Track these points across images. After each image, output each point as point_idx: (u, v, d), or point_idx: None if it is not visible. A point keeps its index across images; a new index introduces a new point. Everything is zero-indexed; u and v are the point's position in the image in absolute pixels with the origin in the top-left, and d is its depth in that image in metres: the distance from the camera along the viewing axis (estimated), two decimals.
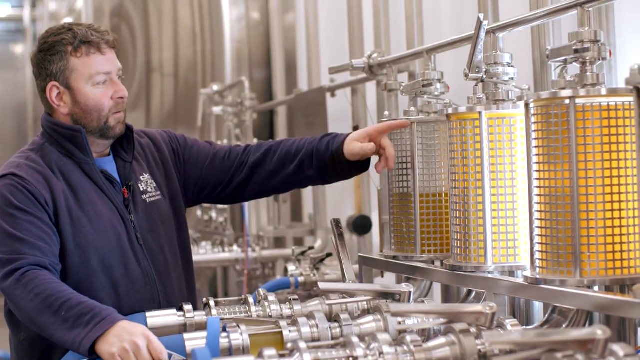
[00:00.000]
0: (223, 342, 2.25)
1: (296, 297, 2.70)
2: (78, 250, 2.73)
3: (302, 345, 1.94)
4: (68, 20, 10.75)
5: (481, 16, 2.40)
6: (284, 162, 2.96)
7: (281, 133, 6.54)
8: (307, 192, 6.27)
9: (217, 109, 6.31)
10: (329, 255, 3.95)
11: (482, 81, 2.48)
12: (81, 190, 2.78)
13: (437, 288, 3.00)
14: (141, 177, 2.94)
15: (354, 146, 2.80)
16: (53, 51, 2.80)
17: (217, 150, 3.07)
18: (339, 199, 5.64)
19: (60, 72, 2.79)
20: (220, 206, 5.77)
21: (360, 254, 3.12)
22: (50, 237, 2.68)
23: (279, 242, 5.86)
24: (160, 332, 2.54)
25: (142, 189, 2.92)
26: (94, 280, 2.74)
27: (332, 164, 2.87)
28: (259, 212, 5.65)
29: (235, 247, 5.42)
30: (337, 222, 2.89)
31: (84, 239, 2.74)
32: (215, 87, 6.50)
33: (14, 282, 2.57)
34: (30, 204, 2.69)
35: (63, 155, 2.82)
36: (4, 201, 2.71)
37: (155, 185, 2.96)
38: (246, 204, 5.31)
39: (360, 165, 2.87)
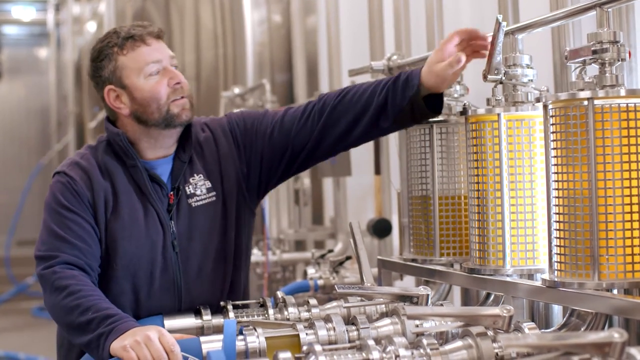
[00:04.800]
0: (239, 344, 2.25)
1: (314, 299, 2.69)
2: (104, 253, 2.74)
3: (318, 348, 1.94)
4: (91, 23, 10.81)
5: (500, 17, 2.38)
6: (358, 119, 2.79)
7: None
8: (328, 195, 6.26)
9: None
10: (348, 258, 3.94)
11: (501, 83, 2.46)
12: (123, 193, 2.77)
13: (457, 291, 2.98)
14: (191, 179, 2.84)
15: (432, 76, 2.59)
16: (102, 56, 2.80)
17: (276, 120, 2.92)
18: (360, 202, 5.62)
19: (112, 74, 2.78)
20: None
21: (379, 257, 3.11)
22: (92, 238, 2.71)
23: (299, 245, 5.85)
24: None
25: (188, 192, 2.83)
26: (114, 285, 2.75)
27: (411, 111, 2.69)
28: (279, 215, 5.65)
29: (255, 250, 5.39)
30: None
31: (112, 243, 2.74)
32: (237, 90, 6.49)
33: (47, 282, 2.61)
34: (76, 203, 2.73)
35: (115, 156, 2.82)
36: (53, 199, 2.75)
37: (208, 187, 2.86)
38: (267, 208, 5.30)
39: (436, 107, 2.70)
